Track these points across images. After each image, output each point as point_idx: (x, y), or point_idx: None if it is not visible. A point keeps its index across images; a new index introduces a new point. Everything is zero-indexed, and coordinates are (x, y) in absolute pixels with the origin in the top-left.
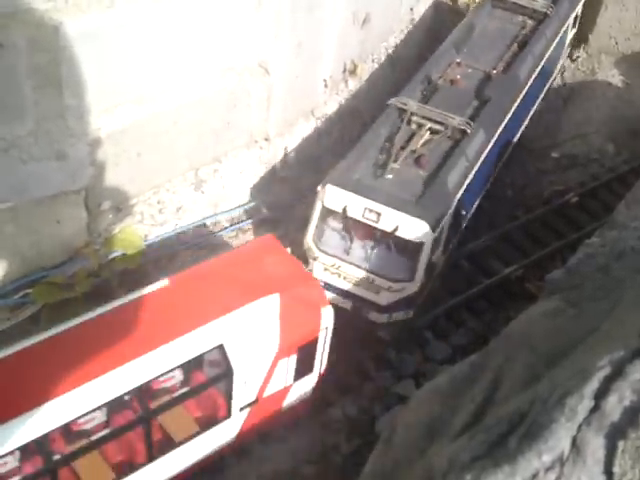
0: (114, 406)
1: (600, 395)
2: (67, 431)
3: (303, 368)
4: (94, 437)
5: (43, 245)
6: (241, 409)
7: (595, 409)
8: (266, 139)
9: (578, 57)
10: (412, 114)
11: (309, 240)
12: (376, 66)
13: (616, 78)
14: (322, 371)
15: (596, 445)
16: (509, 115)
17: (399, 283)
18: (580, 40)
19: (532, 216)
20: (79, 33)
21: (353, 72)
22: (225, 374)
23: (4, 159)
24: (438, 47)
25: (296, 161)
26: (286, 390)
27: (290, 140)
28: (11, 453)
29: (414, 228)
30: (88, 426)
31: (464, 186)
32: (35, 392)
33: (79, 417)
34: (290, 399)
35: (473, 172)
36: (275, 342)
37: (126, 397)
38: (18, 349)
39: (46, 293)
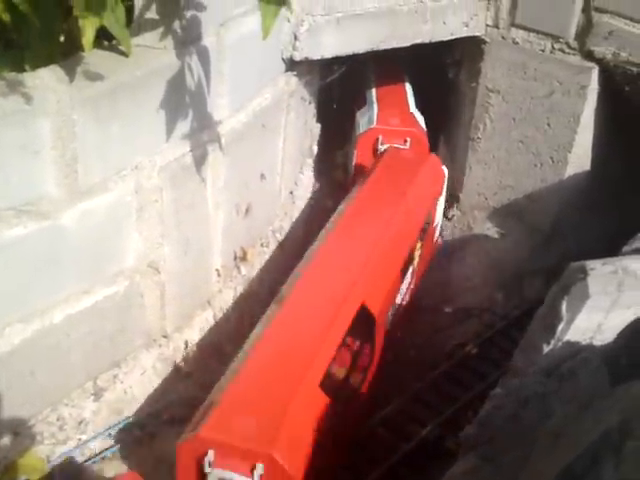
0: None
1: None
2: None
3: None
4: None
5: None
6: None
7: None
8: (164, 336)
9: (453, 215)
10: None
11: None
12: (265, 249)
13: (491, 230)
14: None
15: None
16: None
17: None
18: (452, 200)
19: (437, 373)
20: None
21: (244, 258)
22: None
23: None
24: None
25: (199, 353)
26: None
27: (189, 333)
28: None
29: None
30: None
31: None
32: None
33: None
34: None
35: None
36: None
37: None
38: None
39: None
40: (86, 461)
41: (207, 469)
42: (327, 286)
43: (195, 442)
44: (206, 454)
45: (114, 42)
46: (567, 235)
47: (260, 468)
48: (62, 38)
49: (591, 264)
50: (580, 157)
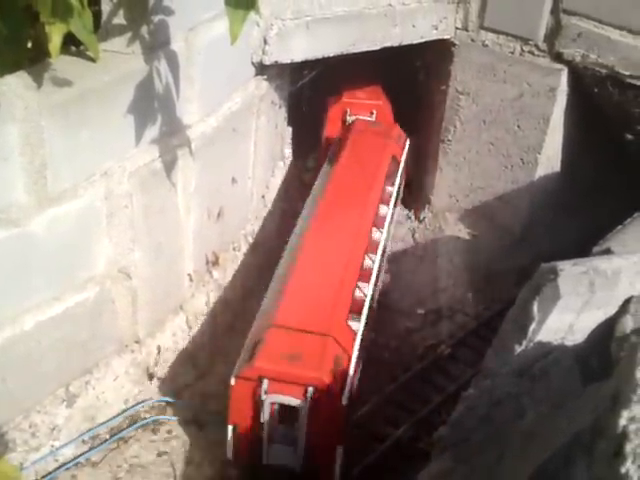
0: None
1: None
2: None
3: None
4: None
5: None
6: None
7: None
8: (137, 342)
9: (424, 218)
10: None
11: None
12: (237, 254)
13: (463, 232)
14: None
15: None
16: None
17: None
18: (424, 202)
19: (411, 374)
20: None
21: (216, 263)
22: None
23: None
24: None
25: (171, 359)
26: None
27: (162, 339)
28: None
29: None
30: None
31: None
32: None
33: None
34: None
35: None
36: None
37: None
38: None
39: None
40: (59, 468)
41: (263, 396)
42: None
43: (251, 372)
44: (261, 384)
45: (82, 48)
46: (538, 236)
47: (311, 391)
48: (29, 44)
49: (562, 265)
50: (550, 158)
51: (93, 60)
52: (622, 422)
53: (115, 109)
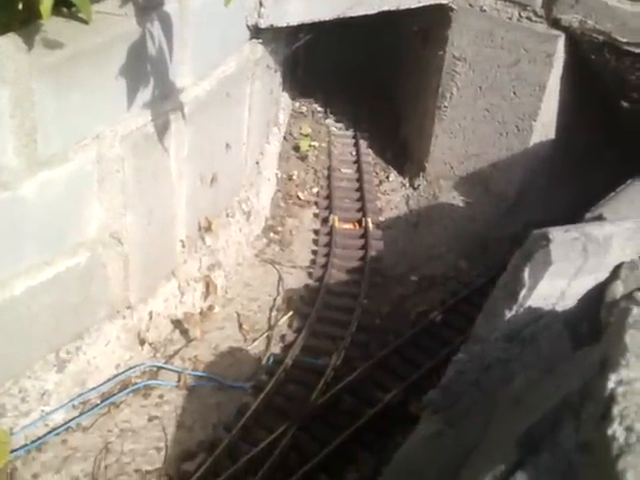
0: None
1: None
2: None
3: None
4: None
5: None
6: None
7: None
8: (128, 307)
9: (419, 185)
10: None
11: None
12: (231, 220)
13: (457, 199)
14: None
15: None
16: None
17: None
18: (418, 169)
19: (402, 340)
20: None
21: (209, 229)
22: None
23: None
24: None
25: (163, 325)
26: None
27: (154, 304)
28: None
29: None
30: None
31: None
32: None
33: None
34: None
35: None
36: None
37: None
38: None
39: None
40: (49, 432)
41: None
42: None
43: None
44: None
45: (73, 9)
46: (532, 203)
47: None
48: (20, 5)
49: (553, 231)
50: (545, 126)
51: (85, 22)
52: (610, 385)
53: (107, 72)
